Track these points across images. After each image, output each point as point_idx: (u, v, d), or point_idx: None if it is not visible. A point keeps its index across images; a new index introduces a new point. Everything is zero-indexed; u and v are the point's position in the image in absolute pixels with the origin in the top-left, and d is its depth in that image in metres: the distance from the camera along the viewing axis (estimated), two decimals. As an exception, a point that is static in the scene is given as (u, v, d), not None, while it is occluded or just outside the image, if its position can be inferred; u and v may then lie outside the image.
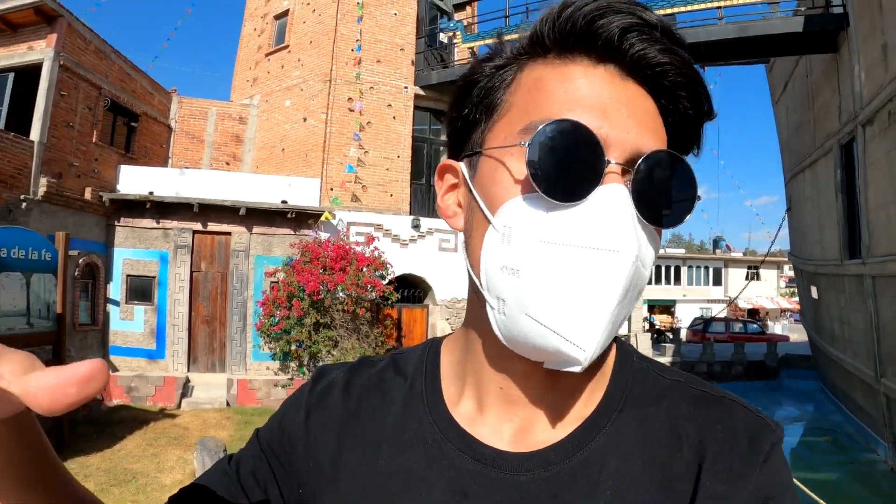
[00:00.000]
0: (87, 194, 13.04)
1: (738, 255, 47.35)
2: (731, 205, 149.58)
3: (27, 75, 13.13)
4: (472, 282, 0.64)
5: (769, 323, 40.50)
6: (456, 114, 0.67)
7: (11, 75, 13.21)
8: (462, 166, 0.66)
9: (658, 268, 44.33)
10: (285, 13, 17.32)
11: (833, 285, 14.25)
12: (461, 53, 16.73)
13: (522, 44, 0.62)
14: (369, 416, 0.70)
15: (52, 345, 9.44)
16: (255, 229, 13.95)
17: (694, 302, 42.19)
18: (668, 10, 13.36)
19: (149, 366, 13.68)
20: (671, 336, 27.93)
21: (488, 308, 0.60)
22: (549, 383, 0.63)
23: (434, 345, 0.76)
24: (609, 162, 0.55)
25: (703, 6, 13.27)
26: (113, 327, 13.78)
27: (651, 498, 0.59)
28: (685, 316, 39.52)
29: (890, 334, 10.71)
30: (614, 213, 0.54)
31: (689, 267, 44.68)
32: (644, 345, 16.48)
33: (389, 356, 0.78)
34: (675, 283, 44.01)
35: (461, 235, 0.68)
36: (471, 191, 0.63)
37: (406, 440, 0.67)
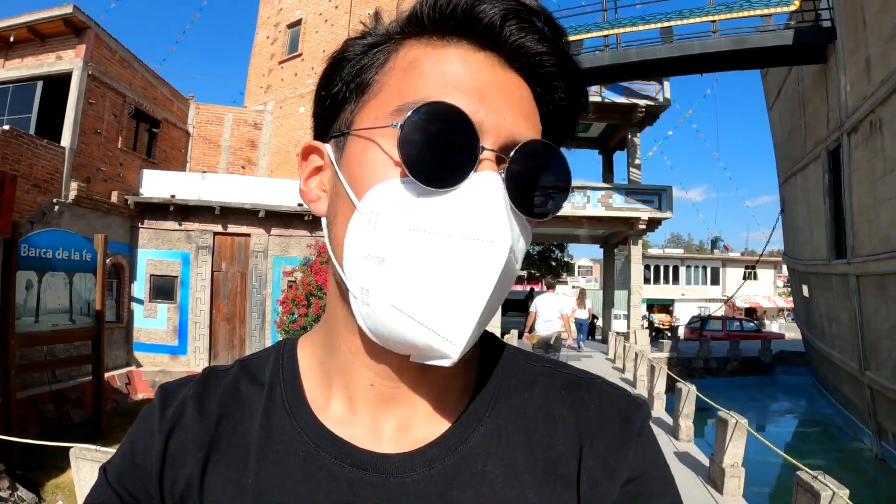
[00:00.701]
0: (114, 198, 13.75)
1: (735, 254, 47.97)
2: (730, 205, 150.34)
3: (53, 83, 13.86)
4: (333, 271, 0.61)
5: (766, 322, 41.07)
6: (325, 92, 0.63)
7: (40, 83, 13.90)
8: (328, 148, 0.62)
9: (657, 267, 45.00)
10: (298, 22, 18.04)
11: (822, 284, 14.94)
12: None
13: (399, 22, 0.60)
14: (230, 432, 0.64)
15: (92, 340, 10.15)
16: (273, 231, 14.68)
17: (692, 301, 42.80)
18: (665, 24, 14.08)
19: (171, 361, 14.39)
20: (669, 334, 28.56)
21: (352, 298, 0.57)
22: (422, 377, 0.62)
23: (288, 346, 0.71)
24: (483, 149, 0.54)
25: (698, 20, 13.98)
26: (137, 325, 14.48)
27: (538, 482, 0.59)
28: (683, 315, 40.09)
29: (872, 329, 11.42)
30: (488, 202, 0.52)
31: (688, 267, 45.36)
32: (642, 341, 17.12)
33: (238, 363, 0.72)
34: (673, 283, 44.70)
35: None
36: (337, 174, 0.60)
37: (274, 455, 0.62)
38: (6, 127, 11.12)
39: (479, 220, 0.51)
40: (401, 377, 0.61)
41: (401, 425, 0.62)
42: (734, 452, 6.47)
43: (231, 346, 14.85)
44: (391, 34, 0.60)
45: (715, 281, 44.72)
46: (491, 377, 0.66)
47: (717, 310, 33.00)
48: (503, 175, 0.54)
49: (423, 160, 0.52)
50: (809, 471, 4.91)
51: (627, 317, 19.78)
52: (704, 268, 45.47)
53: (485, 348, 0.69)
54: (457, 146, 0.53)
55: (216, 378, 0.69)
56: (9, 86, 14.32)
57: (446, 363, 0.53)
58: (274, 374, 0.68)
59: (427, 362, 0.55)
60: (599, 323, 23.61)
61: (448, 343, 0.52)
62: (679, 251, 52.06)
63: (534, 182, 0.56)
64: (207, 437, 0.64)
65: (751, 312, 43.92)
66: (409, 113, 0.52)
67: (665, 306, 43.35)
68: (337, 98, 0.61)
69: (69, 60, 13.39)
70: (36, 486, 7.77)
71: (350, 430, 0.62)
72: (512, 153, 0.55)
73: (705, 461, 7.39)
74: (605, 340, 20.62)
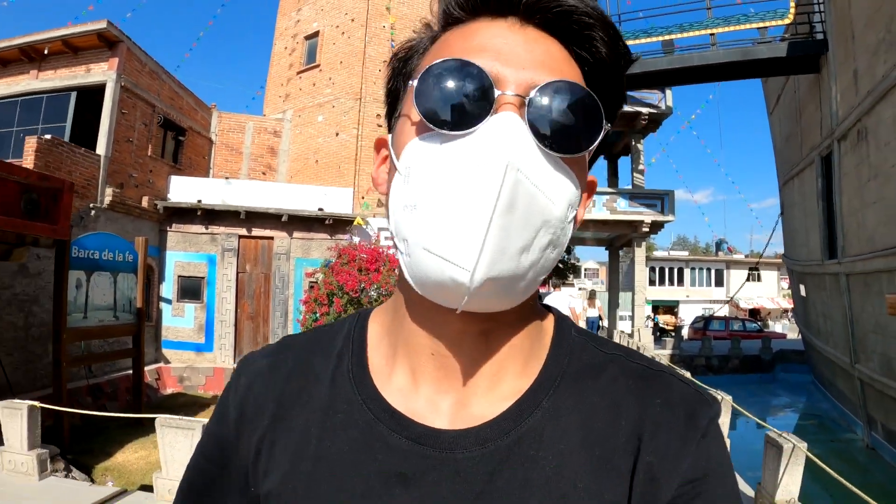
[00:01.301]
0: (144, 203, 14.57)
1: (739, 256, 48.46)
2: (737, 207, 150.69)
3: (85, 94, 14.69)
4: (393, 241, 0.62)
5: (770, 322, 41.58)
6: (386, 90, 0.69)
7: (74, 94, 14.73)
8: (390, 136, 0.66)
9: (662, 269, 45.57)
10: (315, 34, 18.84)
11: (817, 283, 15.62)
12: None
13: (437, 20, 0.65)
14: (295, 399, 0.67)
15: (133, 335, 10.94)
16: (296, 234, 15.48)
17: (697, 302, 43.32)
18: (667, 37, 14.81)
19: (198, 358, 15.19)
20: (674, 334, 29.20)
21: (399, 255, 0.60)
22: (482, 349, 0.63)
23: (362, 316, 0.74)
24: (502, 93, 0.55)
25: (697, 32, 14.71)
26: (165, 323, 15.28)
27: (590, 473, 0.59)
28: (688, 316, 40.62)
29: (860, 325, 12.11)
30: (496, 134, 0.53)
31: (692, 269, 45.94)
32: (646, 339, 17.83)
33: (313, 332, 0.75)
34: (678, 285, 45.28)
35: None
36: (390, 151, 0.64)
37: (336, 423, 0.64)
38: (48, 136, 11.94)
39: (483, 149, 0.52)
40: (460, 347, 0.62)
41: (458, 401, 0.63)
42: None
43: (255, 343, 15.63)
44: (432, 33, 0.66)
45: (719, 283, 45.29)
46: (557, 361, 0.65)
47: (719, 310, 33.54)
48: (525, 115, 0.55)
49: (438, 109, 0.55)
50: (776, 430, 5.48)
51: (632, 317, 20.48)
52: (709, 270, 46.05)
53: (556, 332, 0.69)
54: (473, 94, 0.55)
55: (290, 346, 0.73)
56: (43, 96, 15.17)
57: (464, 301, 0.53)
58: (344, 344, 0.70)
59: (461, 307, 0.54)
60: (605, 323, 24.27)
61: (461, 270, 0.52)
62: (684, 253, 52.57)
63: (560, 119, 0.56)
64: (275, 405, 0.67)
65: (755, 314, 44.36)
66: (423, 70, 0.57)
67: (670, 307, 43.86)
68: (395, 93, 0.68)
69: (102, 72, 14.22)
70: (88, 469, 8.49)
71: (410, 402, 0.63)
72: (532, 93, 0.56)
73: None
74: (610, 339, 21.32)
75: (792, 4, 14.39)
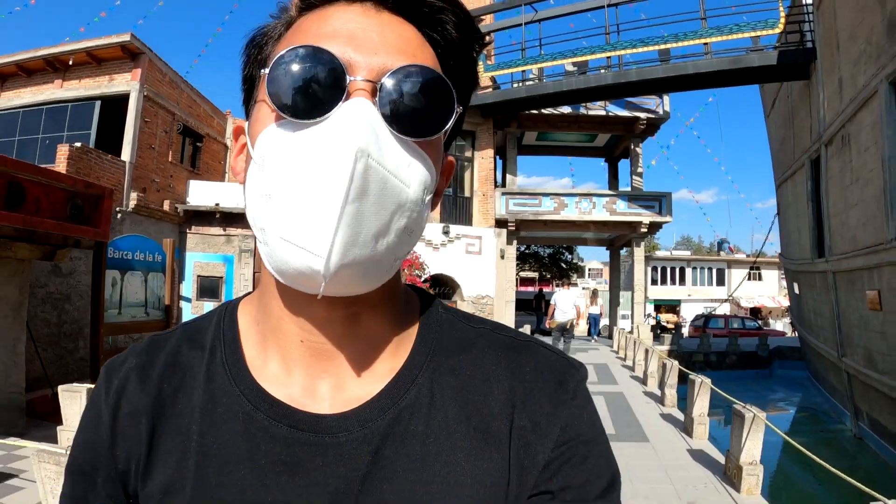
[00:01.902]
0: (165, 206, 15.34)
1: (741, 256, 48.95)
2: (740, 206, 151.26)
3: (108, 102, 15.46)
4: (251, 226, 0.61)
5: (771, 321, 42.06)
6: (243, 76, 0.68)
7: (98, 103, 15.50)
8: (247, 124, 0.64)
9: (664, 269, 46.14)
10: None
11: (808, 281, 16.29)
12: (483, 81, 18.86)
13: (292, 7, 0.65)
14: (172, 398, 0.66)
15: (161, 330, 11.69)
16: (309, 235, 16.21)
17: (699, 301, 43.74)
18: (663, 46, 15.49)
19: (216, 353, 15.93)
20: (674, 331, 29.85)
21: (259, 245, 0.60)
22: (349, 332, 0.63)
23: (229, 308, 0.73)
24: (354, 80, 0.56)
25: (692, 42, 15.39)
26: (185, 320, 16.01)
27: (469, 442, 0.61)
28: (690, 315, 41.13)
29: (846, 320, 12.77)
30: (346, 121, 0.53)
31: (694, 268, 46.46)
32: (644, 335, 18.45)
33: (181, 328, 0.74)
34: (679, 284, 45.79)
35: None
36: (247, 139, 0.62)
37: (217, 417, 0.63)
38: (78, 144, 12.72)
39: (334, 136, 0.52)
40: (328, 331, 0.63)
41: (335, 384, 0.64)
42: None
43: (270, 339, 16.41)
44: (288, 16, 0.65)
45: (721, 282, 45.70)
46: (427, 338, 0.67)
47: (717, 308, 34.13)
48: (377, 102, 0.56)
49: (290, 96, 0.55)
50: (741, 403, 6.20)
51: (631, 313, 21.16)
52: (710, 269, 46.55)
53: (424, 310, 0.71)
54: (324, 81, 0.55)
55: (159, 345, 0.71)
56: (67, 104, 15.94)
57: (321, 286, 0.54)
58: (215, 337, 0.69)
59: (320, 293, 0.55)
60: (606, 321, 24.92)
61: (315, 257, 0.52)
62: (686, 253, 53.01)
63: (412, 104, 0.56)
64: (151, 404, 0.65)
65: (756, 312, 44.88)
66: (275, 57, 0.56)
67: (672, 306, 44.33)
68: (250, 79, 0.66)
69: (126, 82, 15.00)
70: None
71: (286, 389, 0.63)
72: (383, 79, 0.56)
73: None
74: (610, 336, 22.03)
75: (782, 15, 15.04)
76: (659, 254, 50.99)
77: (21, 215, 7.32)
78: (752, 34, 15.20)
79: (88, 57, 15.37)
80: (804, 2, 15.24)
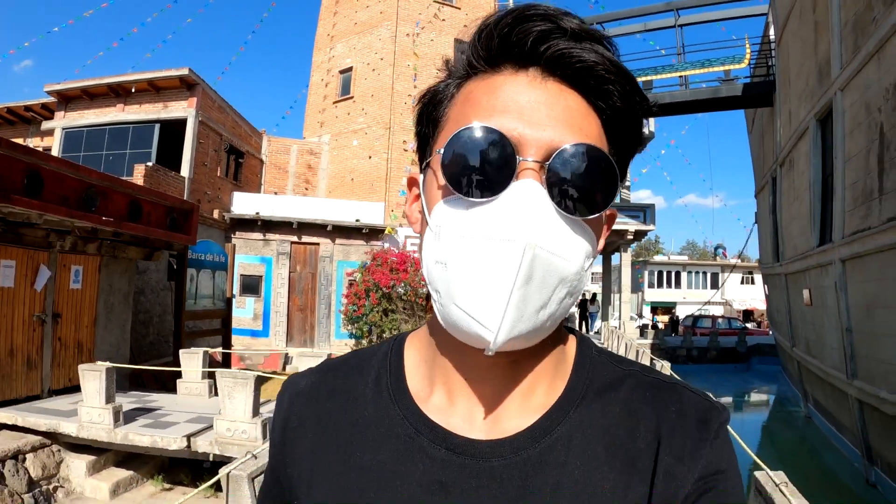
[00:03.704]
0: (215, 215, 17.80)
1: (734, 261, 50.91)
2: (739, 212, 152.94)
3: (165, 125, 17.92)
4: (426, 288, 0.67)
5: (763, 322, 43.99)
6: (416, 132, 0.73)
7: (157, 126, 17.96)
8: (421, 178, 0.70)
9: (660, 273, 48.32)
10: (349, 69, 22.08)
11: (772, 283, 18.63)
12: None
13: (462, 65, 0.67)
14: (337, 417, 0.72)
15: (223, 318, 14.17)
16: (338, 241, 18.72)
17: (693, 304, 45.50)
18: (644, 78, 17.91)
19: (255, 342, 18.39)
20: (671, 332, 32.23)
21: (433, 302, 0.64)
22: (511, 374, 0.68)
23: (398, 341, 0.79)
24: (524, 160, 0.58)
25: (669, 75, 17.79)
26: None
27: (615, 475, 0.63)
28: (684, 316, 43.23)
29: (795, 315, 15.10)
30: (517, 205, 0.57)
31: (689, 272, 48.63)
32: (629, 331, 20.82)
33: (352, 354, 0.81)
34: (675, 287, 47.98)
35: None
36: (421, 198, 0.68)
37: (378, 437, 0.69)
38: (150, 163, 15.20)
39: (505, 222, 0.57)
40: (490, 373, 0.67)
41: (493, 416, 0.67)
42: None
43: (303, 330, 18.85)
44: (457, 76, 0.68)
45: (715, 285, 47.58)
46: (580, 377, 0.70)
47: (701, 310, 36.16)
48: (544, 180, 0.58)
49: (463, 176, 0.59)
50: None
51: (619, 313, 23.58)
52: (705, 273, 48.70)
53: (578, 353, 0.74)
54: (496, 162, 0.58)
55: (330, 369, 0.79)
56: (129, 126, 18.40)
57: (489, 352, 0.58)
58: (381, 366, 0.75)
59: (487, 352, 0.58)
60: (601, 322, 27.32)
61: (487, 330, 0.57)
62: (683, 258, 55.15)
63: (578, 183, 0.59)
64: (317, 422, 0.73)
65: (748, 314, 46.95)
66: (448, 139, 0.61)
67: (668, 308, 46.39)
68: (423, 135, 0.71)
69: (183, 109, 17.47)
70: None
71: (448, 418, 0.68)
72: (551, 159, 0.58)
73: None
74: (599, 332, 24.45)
75: (747, 52, 17.42)
76: (657, 258, 53.27)
77: (142, 226, 9.79)
78: (722, 68, 17.58)
79: (149, 85, 17.81)
80: (771, 38, 17.58)
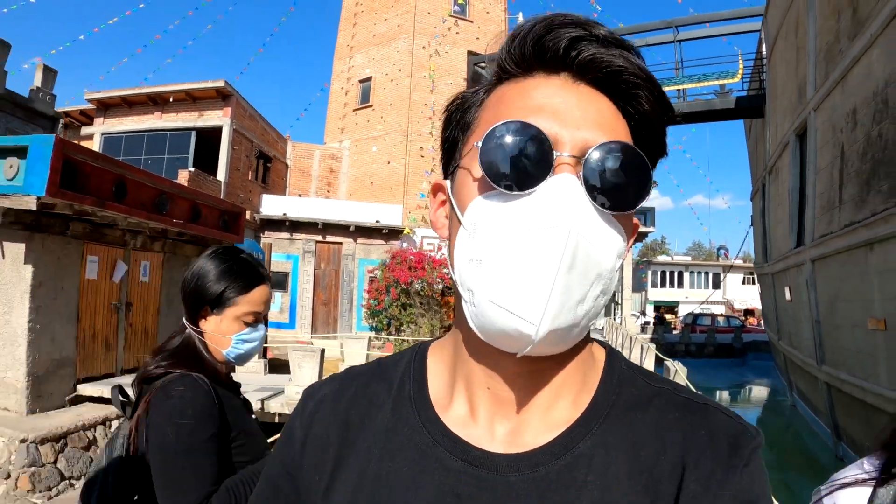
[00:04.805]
0: (247, 216, 19.20)
1: (738, 262, 52.01)
2: (743, 214, 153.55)
3: (200, 132, 19.40)
4: (454, 286, 0.65)
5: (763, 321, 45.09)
6: (442, 137, 0.72)
7: (194, 133, 19.45)
8: (447, 183, 0.69)
9: (663, 273, 49.45)
10: (368, 79, 23.54)
11: (763, 282, 19.95)
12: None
13: (491, 71, 0.67)
14: (358, 424, 0.71)
15: (259, 310, 15.63)
16: (359, 240, 20.25)
17: (695, 303, 46.60)
18: (645, 90, 19.21)
19: (281, 333, 19.83)
20: (674, 328, 33.55)
21: (463, 303, 0.62)
22: (534, 384, 0.65)
23: (421, 350, 0.78)
24: (560, 154, 0.58)
25: (669, 88, 19.13)
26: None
27: (637, 498, 0.60)
28: (684, 314, 44.33)
29: (781, 311, 16.42)
30: (556, 196, 0.56)
31: (692, 273, 49.78)
32: (630, 325, 22.19)
33: (376, 362, 0.80)
34: (678, 287, 49.19)
35: None
36: (451, 201, 0.67)
37: (396, 444, 0.68)
38: (192, 169, 16.68)
39: (545, 212, 0.56)
40: (515, 383, 0.65)
41: (513, 429, 0.65)
42: None
43: (327, 323, 20.36)
44: (486, 84, 0.68)
45: (717, 285, 48.63)
46: (607, 393, 0.67)
47: (699, 308, 37.43)
48: (580, 175, 0.58)
49: (501, 169, 0.58)
50: (670, 360, 9.47)
51: (620, 308, 24.98)
52: (707, 273, 49.90)
53: (606, 366, 0.71)
54: (533, 156, 0.58)
55: (353, 376, 0.78)
56: (166, 133, 19.89)
57: (529, 349, 0.57)
58: (405, 374, 0.74)
59: (522, 353, 0.58)
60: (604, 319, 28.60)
61: (527, 323, 0.55)
62: (686, 258, 56.23)
63: (611, 179, 0.58)
64: (340, 429, 0.72)
65: (749, 313, 47.97)
66: (487, 132, 0.60)
67: (671, 307, 47.87)
68: (450, 140, 0.70)
69: (218, 118, 18.96)
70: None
71: (468, 430, 0.66)
72: (587, 154, 0.58)
73: None
74: (601, 328, 25.84)
75: (740, 67, 18.76)
76: (661, 259, 54.41)
77: (201, 226, 11.25)
78: (717, 82, 18.90)
79: (186, 95, 19.32)
80: (763, 54, 18.87)
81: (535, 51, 0.62)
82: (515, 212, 0.58)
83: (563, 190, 0.57)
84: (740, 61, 18.82)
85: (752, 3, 20.15)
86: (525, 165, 0.58)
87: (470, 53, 22.82)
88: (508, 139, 0.58)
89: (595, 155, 0.58)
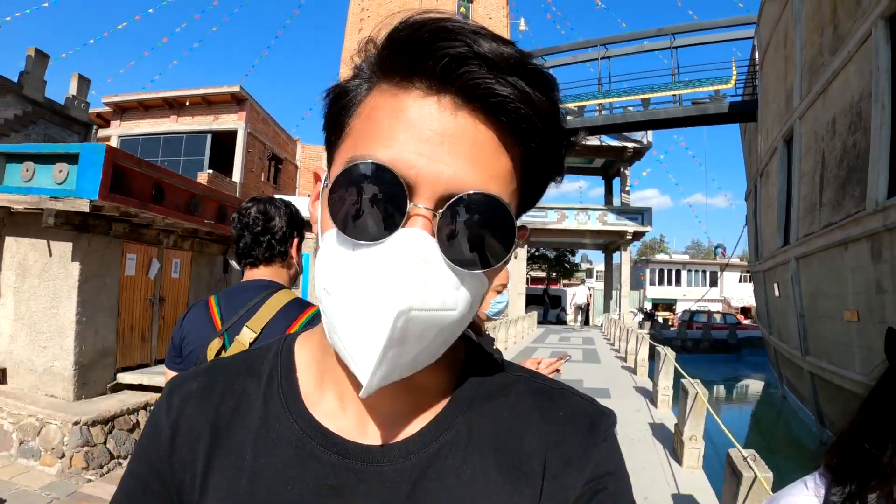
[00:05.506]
0: (260, 215, 20.08)
1: (735, 260, 52.64)
2: (741, 212, 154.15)
3: (215, 135, 20.19)
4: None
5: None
6: (323, 125, 0.66)
7: (209, 136, 20.24)
8: (321, 185, 0.64)
9: (661, 271, 50.14)
10: (375, 84, 24.26)
11: (756, 279, 20.70)
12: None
13: (370, 63, 0.59)
14: (228, 421, 0.69)
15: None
16: (368, 239, 20.96)
17: (692, 301, 47.21)
18: (643, 96, 20.09)
19: (293, 329, 20.68)
20: (670, 325, 34.31)
21: (322, 313, 0.61)
22: (402, 382, 0.61)
23: (287, 343, 0.76)
24: (415, 206, 0.54)
25: (665, 93, 19.96)
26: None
27: (503, 478, 0.63)
28: (681, 311, 44.96)
29: (772, 307, 17.13)
30: (399, 256, 0.53)
31: (689, 271, 50.39)
32: (628, 321, 22.95)
33: (241, 356, 0.77)
34: (676, 285, 49.96)
35: None
36: (318, 213, 0.64)
37: (270, 441, 0.66)
38: (211, 171, 17.47)
39: (383, 276, 0.53)
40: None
41: (384, 421, 0.66)
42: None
43: (337, 318, 21.13)
44: (367, 75, 0.60)
45: (714, 283, 48.96)
46: (469, 382, 0.69)
47: (695, 306, 38.27)
48: (436, 228, 0.54)
49: (349, 216, 0.55)
50: (690, 378, 9.89)
51: (619, 304, 25.82)
52: (704, 272, 50.49)
53: (469, 357, 0.73)
54: (386, 202, 0.54)
55: (220, 370, 0.74)
56: (182, 135, 20.68)
57: (362, 393, 0.55)
58: (273, 367, 0.72)
59: (361, 393, 0.56)
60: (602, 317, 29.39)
61: (361, 372, 0.55)
62: (685, 257, 56.88)
63: (471, 234, 0.55)
64: (209, 425, 0.69)
65: (746, 311, 48.63)
66: (338, 173, 0.55)
67: (668, 305, 48.63)
68: (328, 138, 0.64)
69: (233, 122, 19.78)
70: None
71: (338, 422, 0.66)
72: (443, 209, 0.54)
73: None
74: (601, 325, 26.71)
75: (734, 73, 19.58)
76: (659, 257, 55.16)
77: (227, 226, 12.05)
78: (711, 88, 19.72)
79: (201, 100, 20.12)
80: (756, 60, 19.61)
81: (413, 63, 0.55)
82: (358, 264, 0.55)
83: (407, 249, 0.53)
84: (734, 67, 19.62)
85: (749, 10, 20.97)
86: (375, 214, 0.54)
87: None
88: (361, 184, 0.55)
89: (454, 208, 0.54)
